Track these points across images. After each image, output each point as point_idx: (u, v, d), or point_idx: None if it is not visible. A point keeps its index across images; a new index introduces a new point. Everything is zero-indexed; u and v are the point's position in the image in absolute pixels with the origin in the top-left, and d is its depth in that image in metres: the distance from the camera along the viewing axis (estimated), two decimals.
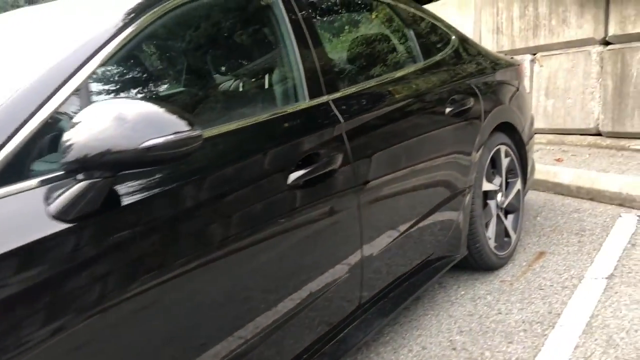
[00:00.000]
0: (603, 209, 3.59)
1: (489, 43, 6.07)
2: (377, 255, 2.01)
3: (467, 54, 2.89)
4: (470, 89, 2.65)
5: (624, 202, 3.55)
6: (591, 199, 3.76)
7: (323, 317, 1.81)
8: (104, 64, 1.38)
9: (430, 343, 2.30)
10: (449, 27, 2.95)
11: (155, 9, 1.53)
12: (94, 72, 1.35)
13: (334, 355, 1.81)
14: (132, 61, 1.73)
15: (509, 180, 3.06)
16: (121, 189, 1.22)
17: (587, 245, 3.05)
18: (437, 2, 6.81)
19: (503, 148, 2.90)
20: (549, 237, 3.25)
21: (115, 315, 1.17)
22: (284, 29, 1.88)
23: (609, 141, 4.89)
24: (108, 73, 1.54)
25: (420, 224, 2.26)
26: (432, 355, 2.22)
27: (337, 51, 2.28)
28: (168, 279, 1.27)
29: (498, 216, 2.89)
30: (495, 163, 2.89)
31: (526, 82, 5.65)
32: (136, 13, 1.50)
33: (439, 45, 2.74)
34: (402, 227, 2.14)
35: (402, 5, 2.59)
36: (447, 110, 2.43)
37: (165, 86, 1.97)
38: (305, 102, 1.84)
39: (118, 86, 1.59)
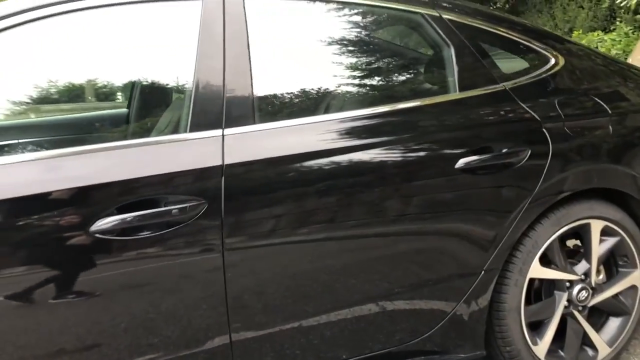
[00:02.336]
0: None
1: None
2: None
3: (570, 83, 2.08)
4: (536, 134, 1.90)
5: None
6: None
7: None
8: None
9: None
10: (558, 42, 2.15)
11: None
12: None
13: None
14: None
15: (620, 269, 2.14)
16: None
17: None
18: None
19: (598, 224, 2.02)
20: None
21: None
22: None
23: None
24: None
25: (355, 311, 1.75)
26: None
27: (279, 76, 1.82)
28: None
29: (573, 315, 2.06)
30: (583, 242, 2.06)
31: None
32: None
33: (509, 71, 2.01)
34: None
35: (452, 17, 1.96)
36: (462, 161, 1.78)
37: None
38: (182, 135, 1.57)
39: None
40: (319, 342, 1.75)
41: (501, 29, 2.06)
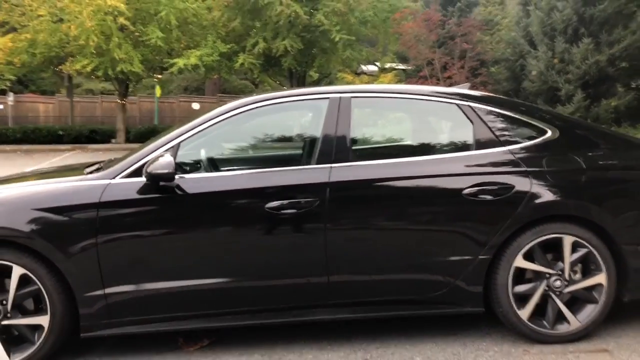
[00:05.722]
0: None
1: None
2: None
3: (560, 147, 3.26)
4: (522, 177, 3.13)
5: None
6: None
7: None
8: None
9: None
10: (559, 120, 3.36)
11: None
12: None
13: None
14: None
15: (592, 272, 3.20)
16: None
17: None
18: None
19: (568, 239, 3.13)
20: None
21: None
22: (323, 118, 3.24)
23: None
24: None
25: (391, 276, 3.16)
26: None
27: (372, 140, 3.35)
28: None
29: (551, 297, 3.17)
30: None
31: None
32: None
33: (513, 138, 3.27)
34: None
35: (475, 105, 3.30)
36: (466, 191, 3.10)
37: None
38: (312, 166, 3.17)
39: None
40: (382, 287, 3.17)
41: (513, 112, 3.34)
